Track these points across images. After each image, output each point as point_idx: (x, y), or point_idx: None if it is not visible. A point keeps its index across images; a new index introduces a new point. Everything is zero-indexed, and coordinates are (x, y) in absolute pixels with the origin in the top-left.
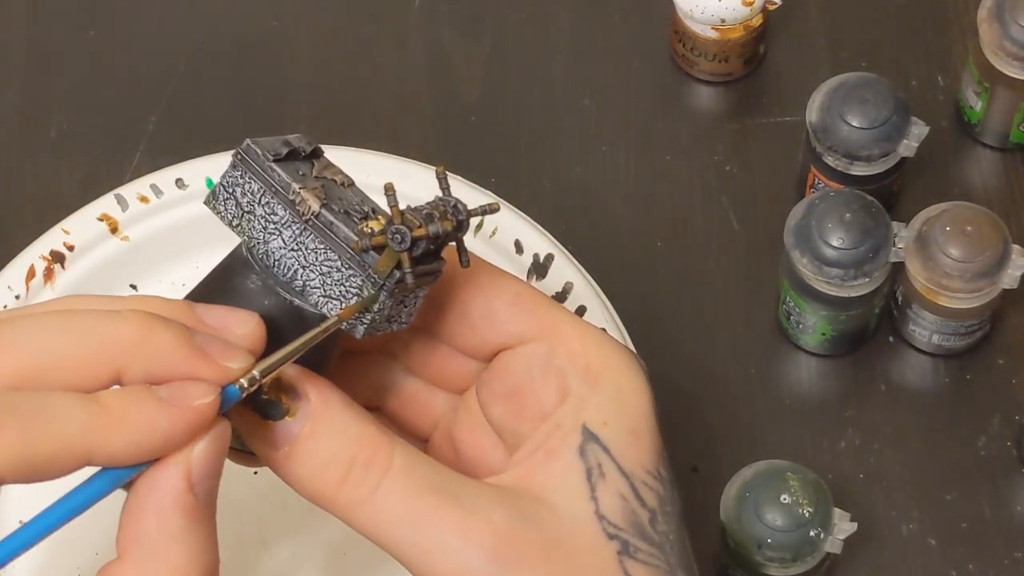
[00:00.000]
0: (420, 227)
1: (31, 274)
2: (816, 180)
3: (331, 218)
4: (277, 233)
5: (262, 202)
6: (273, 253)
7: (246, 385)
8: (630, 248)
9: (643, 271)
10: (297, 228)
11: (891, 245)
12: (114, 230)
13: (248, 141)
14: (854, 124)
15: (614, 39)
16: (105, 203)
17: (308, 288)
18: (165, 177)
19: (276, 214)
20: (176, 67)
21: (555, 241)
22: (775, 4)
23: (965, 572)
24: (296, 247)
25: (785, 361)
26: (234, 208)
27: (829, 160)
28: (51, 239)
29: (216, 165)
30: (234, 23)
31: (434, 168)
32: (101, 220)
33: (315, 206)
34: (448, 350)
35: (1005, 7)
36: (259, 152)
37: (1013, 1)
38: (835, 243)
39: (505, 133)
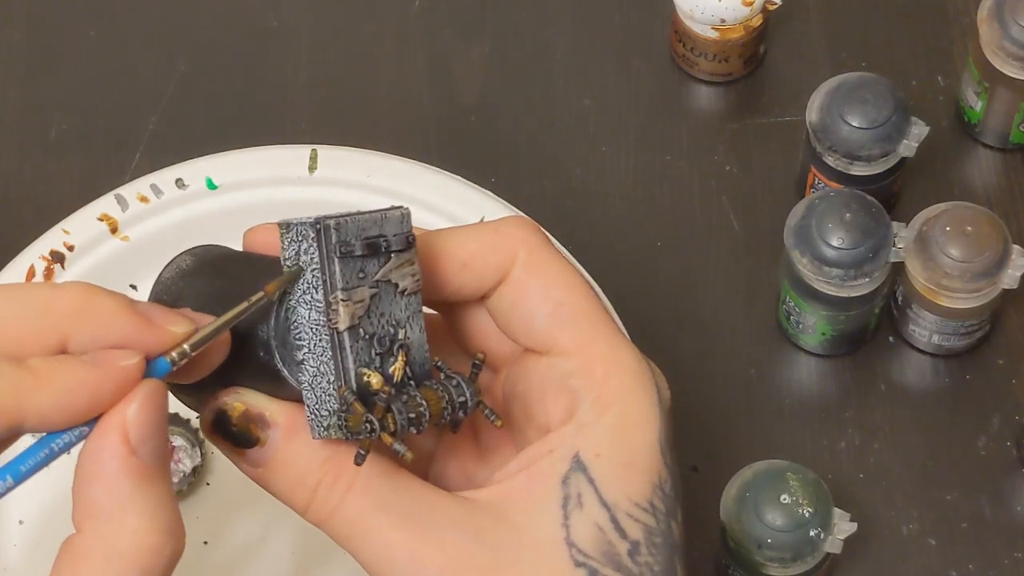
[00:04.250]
0: (391, 435)
1: (31, 274)
2: (816, 180)
3: (347, 343)
4: (308, 307)
5: (312, 271)
6: (298, 315)
7: (176, 358)
8: (630, 248)
9: (643, 271)
10: (323, 320)
11: (891, 245)
12: (114, 230)
13: (332, 224)
14: (854, 124)
15: (614, 39)
16: (105, 203)
17: (304, 367)
18: (165, 177)
19: (317, 293)
20: (176, 67)
21: (555, 241)
22: (775, 4)
23: (965, 572)
24: (314, 330)
25: (785, 361)
26: (294, 253)
27: (829, 160)
28: (51, 239)
29: (216, 165)
30: (234, 23)
31: (437, 169)
32: (101, 220)
33: (342, 325)
34: (492, 328)
35: (1005, 7)
36: (333, 239)
37: (1013, 1)
38: (835, 243)
39: (505, 133)
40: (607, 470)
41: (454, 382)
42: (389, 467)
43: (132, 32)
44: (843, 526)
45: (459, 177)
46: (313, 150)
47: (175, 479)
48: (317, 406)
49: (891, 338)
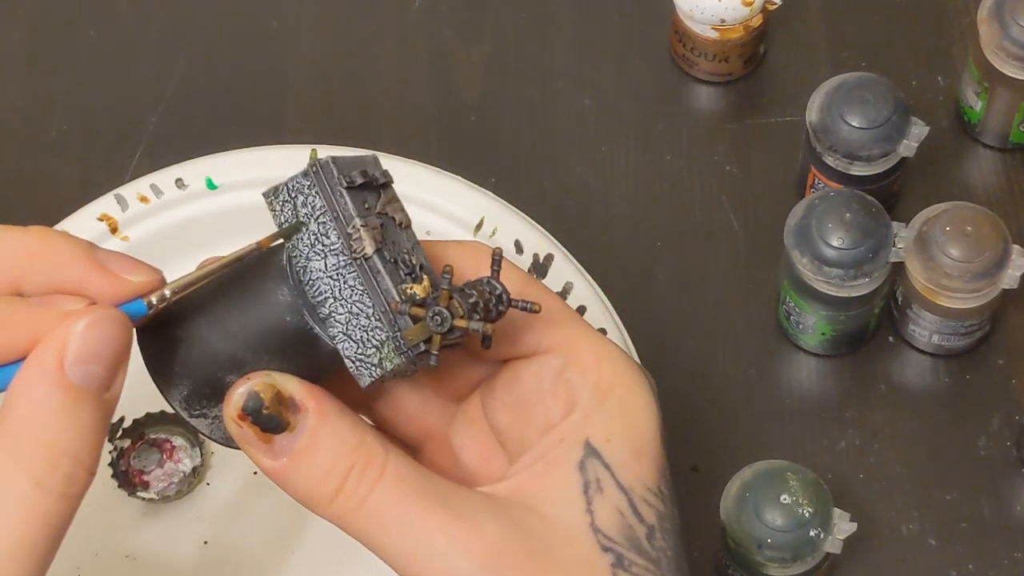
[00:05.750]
0: (463, 318)
1: None
2: (816, 180)
3: (379, 266)
4: (322, 256)
5: (319, 220)
6: (311, 272)
7: (155, 302)
8: (630, 248)
9: (643, 271)
10: (343, 259)
11: (891, 245)
12: (114, 230)
13: (329, 158)
14: (854, 124)
15: (614, 39)
16: (105, 203)
17: (332, 319)
18: (165, 177)
19: (328, 237)
20: (176, 67)
21: (555, 241)
22: (775, 4)
23: (965, 572)
24: (335, 276)
25: (785, 361)
26: (290, 213)
27: (829, 160)
28: None
29: (216, 165)
30: (234, 23)
31: (437, 169)
32: (101, 220)
33: (369, 249)
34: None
35: (1005, 7)
36: (335, 173)
37: (1013, 1)
38: (835, 243)
39: (505, 133)
40: (619, 455)
41: (483, 280)
42: (415, 462)
43: (132, 32)
44: (843, 526)
45: (459, 177)
46: (313, 150)
47: (175, 479)
48: (359, 351)
49: (891, 338)
